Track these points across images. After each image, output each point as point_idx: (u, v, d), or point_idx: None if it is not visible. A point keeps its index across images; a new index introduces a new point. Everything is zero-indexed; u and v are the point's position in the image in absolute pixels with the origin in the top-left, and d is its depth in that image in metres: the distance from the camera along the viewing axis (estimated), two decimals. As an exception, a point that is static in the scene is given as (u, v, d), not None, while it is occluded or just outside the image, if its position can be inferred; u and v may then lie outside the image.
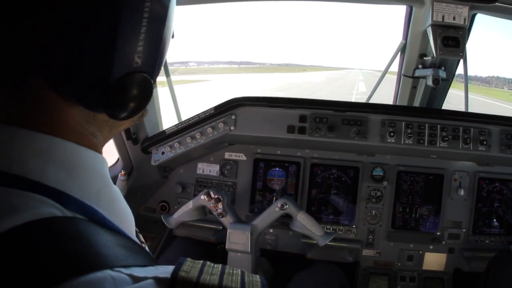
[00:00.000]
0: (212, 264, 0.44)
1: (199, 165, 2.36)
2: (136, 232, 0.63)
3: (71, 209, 0.46)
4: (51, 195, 0.46)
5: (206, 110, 2.09)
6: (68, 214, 0.45)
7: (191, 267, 0.43)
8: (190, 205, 1.97)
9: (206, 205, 1.95)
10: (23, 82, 0.48)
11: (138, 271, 0.42)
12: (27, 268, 0.38)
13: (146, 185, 2.35)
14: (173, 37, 0.59)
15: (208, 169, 2.35)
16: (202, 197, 1.91)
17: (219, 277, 0.42)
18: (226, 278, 0.42)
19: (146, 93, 0.54)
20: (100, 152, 0.57)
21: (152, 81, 0.54)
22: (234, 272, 0.44)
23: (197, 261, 0.44)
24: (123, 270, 0.41)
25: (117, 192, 0.58)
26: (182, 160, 2.32)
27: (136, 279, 0.41)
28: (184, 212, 2.00)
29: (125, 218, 0.57)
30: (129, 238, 0.52)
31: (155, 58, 0.54)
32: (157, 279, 0.41)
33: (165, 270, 0.43)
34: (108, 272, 0.40)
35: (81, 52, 0.48)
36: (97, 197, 0.52)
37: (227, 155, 2.33)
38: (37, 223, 0.42)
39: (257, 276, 0.45)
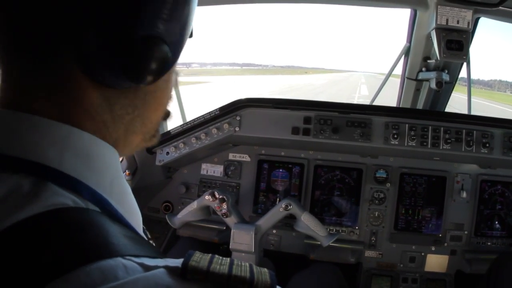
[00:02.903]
0: (220, 257, 0.45)
1: (203, 165, 2.37)
2: (144, 229, 0.64)
3: (86, 198, 0.47)
4: (68, 182, 0.47)
5: (211, 111, 2.10)
6: (80, 204, 0.46)
7: (200, 258, 0.44)
8: (194, 205, 1.99)
9: (210, 205, 1.96)
10: (52, 66, 0.48)
11: (149, 261, 0.42)
12: (39, 256, 0.39)
13: (150, 185, 2.36)
14: (191, 36, 0.58)
15: (212, 169, 2.36)
16: (207, 197, 1.92)
17: (229, 267, 0.43)
18: (235, 268, 0.43)
19: (163, 64, 0.51)
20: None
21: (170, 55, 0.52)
22: (242, 264, 0.45)
23: (206, 254, 0.46)
24: (134, 259, 0.42)
25: (127, 185, 0.58)
26: (187, 161, 2.33)
27: (147, 268, 0.41)
28: (188, 212, 2.01)
29: (133, 211, 0.57)
30: (137, 232, 0.53)
31: (176, 35, 0.53)
32: (168, 268, 0.41)
33: (175, 261, 0.44)
34: (120, 260, 0.40)
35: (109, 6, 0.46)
36: (110, 188, 0.52)
37: (231, 156, 2.34)
38: (49, 213, 0.42)
39: (265, 268, 0.46)
